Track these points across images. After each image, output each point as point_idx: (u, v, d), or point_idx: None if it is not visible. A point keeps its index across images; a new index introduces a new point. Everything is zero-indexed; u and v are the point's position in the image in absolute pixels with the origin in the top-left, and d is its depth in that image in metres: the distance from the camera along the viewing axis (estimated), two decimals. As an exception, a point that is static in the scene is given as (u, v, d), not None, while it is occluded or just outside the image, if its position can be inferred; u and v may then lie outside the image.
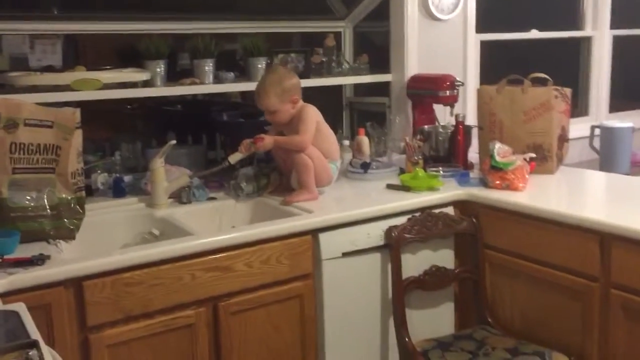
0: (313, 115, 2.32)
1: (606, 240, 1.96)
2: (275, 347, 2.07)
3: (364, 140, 2.80)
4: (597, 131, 3.40)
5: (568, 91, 2.63)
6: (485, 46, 3.36)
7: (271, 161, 2.49)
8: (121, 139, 2.81)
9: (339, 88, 3.35)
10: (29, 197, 1.89)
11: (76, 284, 1.71)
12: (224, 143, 3.07)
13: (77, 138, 1.95)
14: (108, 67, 2.61)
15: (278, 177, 2.45)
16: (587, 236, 2.00)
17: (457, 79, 2.88)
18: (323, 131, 2.37)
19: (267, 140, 2.27)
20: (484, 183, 2.44)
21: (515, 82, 2.60)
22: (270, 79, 2.28)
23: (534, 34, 3.66)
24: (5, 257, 1.72)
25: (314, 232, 2.10)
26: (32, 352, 1.14)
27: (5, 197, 1.87)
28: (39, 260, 1.70)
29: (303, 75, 2.85)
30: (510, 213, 2.24)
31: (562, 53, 3.89)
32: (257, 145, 2.26)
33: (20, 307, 1.40)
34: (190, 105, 3.87)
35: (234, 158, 2.30)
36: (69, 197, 1.95)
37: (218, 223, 2.31)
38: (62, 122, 1.92)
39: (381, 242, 2.21)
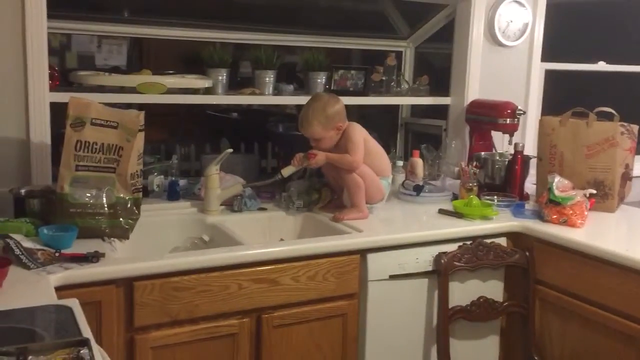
0: (359, 133, 2.30)
1: (667, 287, 1.87)
2: (315, 364, 2.05)
3: (418, 162, 2.77)
4: (662, 171, 3.27)
5: (635, 128, 2.54)
6: (549, 75, 3.29)
7: (323, 176, 2.49)
8: (176, 142, 2.87)
9: (395, 107, 3.34)
10: (89, 195, 1.93)
11: (127, 283, 1.74)
12: (277, 154, 3.09)
13: (139, 140, 1.99)
14: (171, 71, 2.67)
15: (329, 193, 2.44)
16: (647, 281, 1.92)
17: (519, 107, 2.82)
18: (372, 148, 2.35)
19: (320, 157, 2.26)
20: (539, 216, 2.37)
21: (580, 115, 2.53)
22: (313, 107, 2.26)
23: (602, 66, 3.56)
24: (63, 251, 1.76)
25: (363, 252, 2.08)
26: (83, 351, 1.16)
27: (67, 192, 1.92)
28: (93, 257, 1.73)
29: (362, 92, 2.86)
30: (566, 250, 2.17)
31: (629, 88, 3.77)
32: (310, 161, 2.26)
33: (74, 303, 1.43)
34: (246, 113, 3.93)
35: (286, 171, 2.31)
36: (127, 197, 1.99)
37: (267, 234, 2.31)
38: (127, 124, 1.96)
39: (429, 268, 2.17)
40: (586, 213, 2.31)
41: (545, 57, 3.21)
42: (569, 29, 3.53)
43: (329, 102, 2.28)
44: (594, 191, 2.40)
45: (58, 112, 2.16)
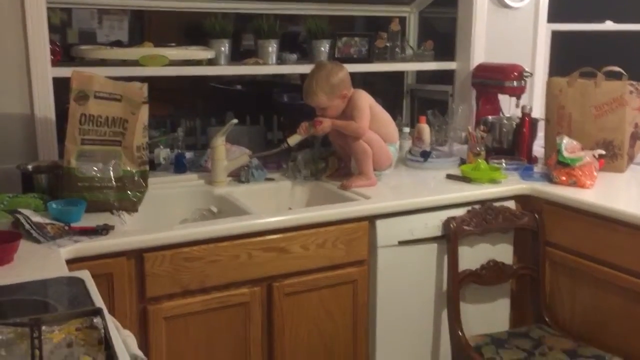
0: (365, 99, 2.28)
1: (679, 244, 1.87)
2: (327, 330, 2.07)
3: (425, 128, 2.74)
4: (671, 130, 3.23)
5: (644, 86, 2.50)
6: (555, 37, 3.23)
7: (330, 145, 2.48)
8: (181, 116, 2.85)
9: (401, 74, 3.30)
10: (95, 168, 1.93)
11: (137, 255, 1.75)
12: (283, 124, 3.07)
13: (144, 113, 1.98)
14: (173, 44, 2.64)
15: (336, 162, 2.43)
16: (658, 239, 1.91)
17: (526, 69, 2.78)
18: (378, 114, 2.34)
19: (326, 123, 2.25)
20: (548, 178, 2.36)
21: (588, 75, 2.50)
22: (317, 76, 2.24)
23: (609, 25, 3.49)
24: (72, 225, 1.77)
25: (371, 219, 2.08)
26: (97, 320, 1.17)
27: (73, 167, 1.92)
28: (103, 230, 1.74)
29: (366, 59, 2.83)
30: (576, 211, 2.16)
31: (638, 47, 3.70)
32: (316, 128, 2.25)
33: (85, 275, 1.44)
34: (250, 85, 3.89)
35: (292, 140, 2.29)
36: (134, 170, 1.99)
37: (275, 204, 2.31)
38: (130, 96, 1.95)
39: (439, 233, 2.17)
40: (595, 174, 2.29)
41: (552, 18, 3.16)
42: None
43: (333, 70, 2.25)
44: (603, 152, 2.39)
45: (61, 89, 2.15)
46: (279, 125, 3.05)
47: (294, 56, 2.77)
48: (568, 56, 3.27)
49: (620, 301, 2.04)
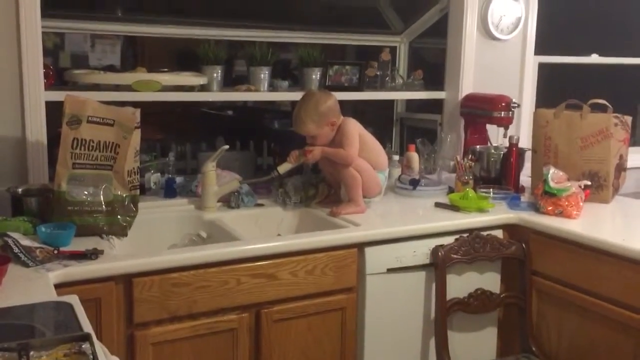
0: (354, 127, 2.31)
1: (663, 275, 1.89)
2: (315, 358, 2.06)
3: (414, 157, 2.78)
4: (656, 162, 3.29)
5: (628, 119, 2.55)
6: (542, 68, 3.30)
7: (320, 172, 2.50)
8: (172, 141, 2.87)
9: (391, 102, 3.35)
10: (86, 192, 1.94)
11: (126, 280, 1.75)
12: (274, 150, 3.10)
13: (136, 137, 1.99)
14: (165, 69, 2.67)
15: (326, 188, 2.45)
16: (643, 270, 1.94)
17: (513, 100, 2.83)
18: (368, 142, 2.36)
19: (316, 152, 2.27)
20: (535, 208, 2.39)
21: (574, 107, 2.55)
22: (305, 105, 2.27)
23: (595, 58, 3.58)
24: (61, 249, 1.76)
25: (360, 246, 2.09)
26: (85, 346, 1.16)
27: (64, 190, 1.92)
28: (92, 254, 1.74)
29: (357, 88, 2.87)
30: (562, 241, 2.18)
31: (622, 80, 3.79)
32: (306, 157, 2.27)
33: (74, 300, 1.43)
34: (241, 111, 3.92)
35: (283, 168, 2.31)
36: (124, 195, 1.99)
37: (265, 230, 2.32)
38: (123, 121, 1.96)
39: (427, 261, 2.18)
40: (581, 204, 2.32)
41: (539, 50, 3.23)
42: (562, 22, 3.54)
43: (320, 99, 2.28)
44: (589, 182, 2.42)
45: (53, 113, 2.16)
46: (270, 151, 3.07)
47: (286, 83, 2.80)
48: (555, 88, 3.33)
49: (606, 331, 2.06)
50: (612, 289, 2.02)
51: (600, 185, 2.49)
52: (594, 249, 2.07)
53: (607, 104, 2.53)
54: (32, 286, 1.55)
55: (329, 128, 2.29)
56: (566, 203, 2.30)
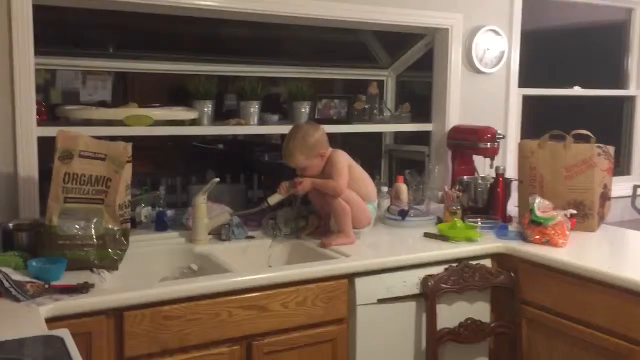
0: (343, 159, 2.35)
1: (650, 302, 1.92)
2: (306, 390, 2.05)
3: (402, 188, 2.82)
4: (640, 191, 3.35)
5: (611, 149, 2.61)
6: (527, 100, 3.38)
7: (310, 203, 2.52)
8: (162, 174, 2.89)
9: (379, 135, 3.40)
10: (77, 226, 1.95)
11: (117, 313, 1.75)
12: (264, 183, 3.12)
13: (127, 171, 2.01)
14: (156, 104, 2.71)
15: (316, 220, 2.47)
16: (630, 298, 1.96)
17: (498, 131, 2.89)
18: (356, 174, 2.40)
19: (305, 183, 2.30)
20: (522, 237, 2.42)
21: (557, 138, 2.60)
22: (294, 138, 2.31)
23: (577, 90, 3.66)
24: (52, 283, 1.76)
25: (350, 277, 2.11)
26: (77, 379, 1.17)
27: (55, 224, 1.93)
28: (83, 288, 1.74)
29: (345, 120, 2.92)
30: (550, 269, 2.21)
31: (605, 111, 3.88)
32: (296, 188, 2.30)
33: (65, 333, 1.44)
34: (232, 145, 3.96)
35: (272, 200, 2.34)
36: (115, 228, 2.01)
37: (256, 262, 2.33)
38: (115, 155, 1.99)
39: (417, 291, 2.20)
40: (568, 233, 2.36)
41: (523, 83, 3.31)
42: (545, 55, 3.63)
43: (309, 131, 2.33)
44: (575, 211, 2.46)
45: (45, 148, 2.19)
46: (260, 184, 3.10)
47: (275, 117, 2.85)
48: (539, 119, 3.40)
49: (596, 359, 2.07)
50: (599, 317, 2.04)
51: (586, 214, 2.53)
52: (581, 277, 2.10)
53: (590, 134, 2.59)
54: (23, 320, 1.55)
55: (318, 160, 2.32)
56: (553, 232, 2.33)
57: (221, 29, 2.99)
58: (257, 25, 2.88)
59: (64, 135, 1.96)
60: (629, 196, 3.41)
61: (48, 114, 2.47)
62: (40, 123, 2.26)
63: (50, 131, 2.12)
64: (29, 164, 2.20)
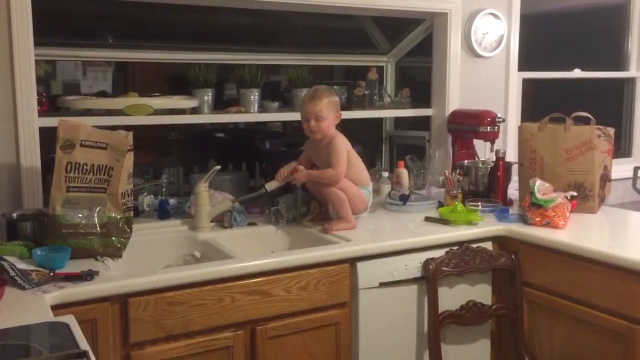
0: (343, 145, 2.35)
1: (649, 282, 1.93)
2: (310, 374, 2.08)
3: (403, 173, 2.83)
4: (641, 172, 3.35)
5: (611, 131, 2.62)
6: (527, 84, 3.37)
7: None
8: (164, 164, 2.90)
9: (379, 121, 3.40)
10: (80, 215, 1.96)
11: (122, 300, 1.77)
12: (265, 170, 3.14)
13: (129, 160, 2.03)
14: (157, 94, 2.72)
15: (318, 206, 2.48)
16: (630, 278, 1.97)
17: (498, 115, 2.89)
18: (352, 160, 2.39)
19: (301, 174, 2.31)
20: (523, 219, 2.43)
21: (558, 120, 2.61)
22: (321, 89, 2.38)
23: (577, 73, 3.66)
24: (57, 271, 1.79)
25: (352, 261, 2.12)
26: (83, 362, 1.19)
27: (58, 214, 1.95)
28: (87, 275, 1.76)
29: (345, 107, 2.92)
30: (550, 251, 2.22)
31: (605, 93, 3.87)
32: (292, 177, 2.31)
33: (70, 320, 1.46)
34: (233, 133, 3.97)
35: (270, 186, 2.35)
36: (118, 217, 2.02)
37: (258, 248, 2.34)
38: (116, 144, 2.00)
39: (418, 274, 2.21)
40: (568, 214, 2.37)
41: (522, 66, 3.30)
42: (545, 38, 3.63)
43: (333, 92, 2.43)
44: (575, 193, 2.47)
45: (47, 138, 2.20)
46: (261, 172, 3.11)
47: (276, 104, 2.85)
48: (539, 102, 3.40)
49: (597, 339, 2.09)
50: (600, 297, 2.06)
51: (586, 196, 2.54)
52: (581, 258, 2.11)
53: (590, 116, 2.59)
54: (29, 308, 1.57)
55: (333, 119, 2.34)
56: (553, 214, 2.34)
57: (220, 17, 2.99)
58: (257, 13, 2.88)
59: (65, 125, 1.97)
60: (630, 178, 3.41)
61: (49, 105, 2.48)
62: (41, 114, 2.28)
63: (51, 121, 2.13)
64: (31, 155, 2.21)
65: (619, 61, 3.87)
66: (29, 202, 2.21)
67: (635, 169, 3.41)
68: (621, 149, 3.81)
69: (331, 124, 2.33)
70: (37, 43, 2.23)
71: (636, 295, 1.96)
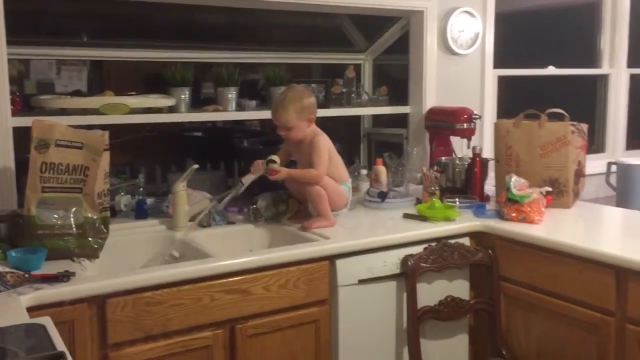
0: (326, 145, 2.35)
1: (622, 274, 1.97)
2: (290, 372, 2.08)
3: (382, 170, 2.84)
4: (614, 168, 3.41)
5: (584, 127, 2.66)
6: (502, 81, 3.42)
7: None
8: (141, 164, 2.88)
9: (357, 118, 3.42)
10: (56, 216, 1.94)
11: (99, 301, 1.75)
12: (243, 169, 3.13)
13: (105, 159, 2.01)
14: (133, 93, 2.70)
15: (296, 204, 2.48)
16: (603, 270, 2.01)
17: (475, 112, 2.92)
18: (332, 157, 2.40)
19: (281, 173, 2.29)
20: (500, 215, 2.46)
21: (532, 117, 2.64)
22: (290, 95, 2.31)
23: (551, 70, 3.71)
24: (32, 273, 1.76)
25: (331, 258, 2.13)
26: (60, 364, 1.18)
27: (33, 215, 1.92)
28: (64, 276, 1.74)
29: (323, 105, 2.93)
30: (526, 245, 2.25)
31: (578, 89, 3.93)
32: (271, 177, 2.28)
33: (47, 321, 1.44)
34: (210, 132, 3.95)
35: (247, 179, 2.32)
36: (94, 217, 2.00)
37: (237, 247, 2.34)
38: (92, 144, 1.98)
39: (397, 271, 2.23)
40: (543, 209, 2.40)
41: (498, 64, 3.34)
42: (519, 36, 3.67)
43: (305, 92, 2.35)
44: (550, 189, 2.50)
45: (20, 139, 2.17)
46: (240, 171, 3.10)
47: (253, 103, 2.85)
48: (514, 99, 3.45)
49: (573, 331, 2.12)
50: (574, 290, 2.10)
51: (561, 191, 2.58)
52: (556, 252, 2.15)
53: (564, 112, 2.63)
54: (4, 310, 1.54)
55: (305, 123, 2.32)
56: (529, 209, 2.38)
57: (197, 15, 2.97)
58: (234, 11, 2.87)
59: (39, 125, 1.95)
60: (603, 173, 3.46)
61: (22, 105, 2.44)
62: (14, 113, 2.24)
63: (25, 121, 2.11)
64: (4, 155, 2.18)
65: (592, 58, 3.93)
66: (3, 203, 2.18)
67: (609, 164, 3.47)
68: (595, 144, 3.88)
69: (303, 129, 2.32)
70: (10, 42, 2.19)
71: (609, 288, 2.00)
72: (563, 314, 2.14)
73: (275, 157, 2.30)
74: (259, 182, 2.35)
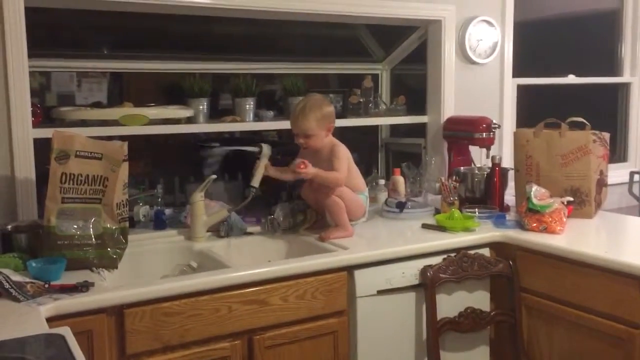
0: (345, 153, 2.36)
1: (648, 286, 1.93)
2: (308, 383, 2.06)
3: (400, 180, 2.82)
4: (637, 177, 3.36)
5: (606, 135, 2.62)
6: (522, 90, 3.38)
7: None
8: (160, 174, 2.89)
9: (375, 128, 3.40)
10: (75, 226, 1.95)
11: (118, 311, 1.75)
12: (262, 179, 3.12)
13: (124, 170, 2.02)
14: (152, 104, 2.72)
15: (314, 214, 2.48)
16: (627, 281, 1.97)
17: (494, 121, 2.90)
18: (351, 168, 2.40)
19: (311, 169, 2.23)
20: (520, 225, 2.43)
21: (553, 126, 2.61)
22: (310, 103, 2.31)
23: (571, 79, 3.67)
24: (52, 283, 1.77)
25: (350, 269, 2.11)
26: (78, 374, 1.17)
27: (53, 225, 1.93)
28: (83, 287, 1.75)
29: (341, 115, 2.92)
30: (548, 256, 2.22)
31: (600, 98, 3.88)
32: (300, 170, 2.22)
33: (66, 331, 1.44)
34: (228, 143, 3.96)
35: (255, 181, 2.32)
36: (113, 227, 2.01)
37: (255, 257, 2.33)
38: (111, 155, 1.99)
39: (416, 281, 2.21)
40: (565, 220, 2.37)
41: (517, 73, 3.31)
42: (539, 45, 3.64)
43: (324, 101, 2.37)
44: (571, 198, 2.47)
45: (41, 150, 2.19)
46: (244, 178, 3.09)
47: (271, 113, 2.85)
48: (534, 108, 3.41)
49: (597, 344, 2.08)
50: (598, 302, 2.06)
51: (583, 201, 2.54)
52: (579, 263, 2.11)
53: (585, 121, 2.59)
54: (24, 320, 1.55)
55: (325, 132, 2.32)
56: (550, 219, 2.34)
57: (215, 27, 3.00)
58: (251, 23, 2.88)
59: (59, 136, 1.97)
60: (626, 183, 3.41)
61: (43, 116, 2.47)
62: (35, 125, 2.27)
63: (46, 132, 2.13)
64: (26, 166, 2.20)
65: (613, 67, 3.88)
66: (23, 213, 2.20)
67: (631, 173, 3.41)
68: (616, 153, 3.81)
69: (321, 138, 2.32)
70: (31, 54, 2.22)
71: (635, 300, 1.95)
72: (586, 326, 2.10)
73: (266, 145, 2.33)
74: (275, 192, 2.33)
